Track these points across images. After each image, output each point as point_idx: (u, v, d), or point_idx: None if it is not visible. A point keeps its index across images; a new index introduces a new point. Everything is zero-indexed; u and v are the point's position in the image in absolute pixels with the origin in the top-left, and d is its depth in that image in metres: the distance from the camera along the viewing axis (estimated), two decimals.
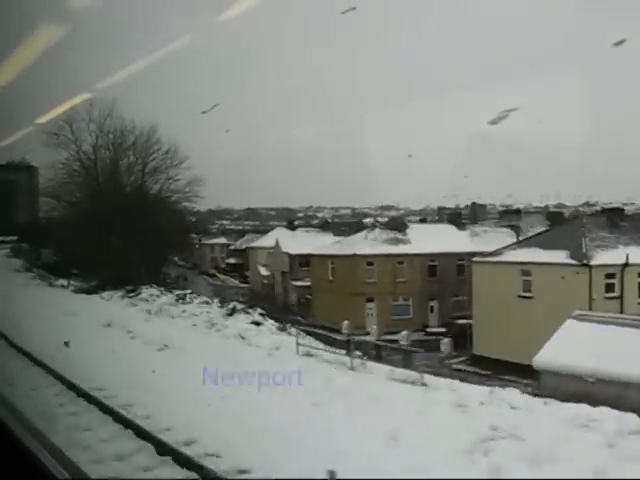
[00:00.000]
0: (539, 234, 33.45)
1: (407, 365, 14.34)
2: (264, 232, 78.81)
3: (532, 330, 29.45)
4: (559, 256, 29.27)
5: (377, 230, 43.70)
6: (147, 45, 31.39)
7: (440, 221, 59.24)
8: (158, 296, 25.82)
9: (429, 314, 42.49)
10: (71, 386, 10.77)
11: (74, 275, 40.09)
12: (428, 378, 12.12)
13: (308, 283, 47.74)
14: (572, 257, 28.85)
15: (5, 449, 2.18)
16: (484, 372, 28.53)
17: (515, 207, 68.62)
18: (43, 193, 43.65)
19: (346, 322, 30.09)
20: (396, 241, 42.75)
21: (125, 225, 41.87)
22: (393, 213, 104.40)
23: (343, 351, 15.49)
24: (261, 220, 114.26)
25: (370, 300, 41.53)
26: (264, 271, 57.56)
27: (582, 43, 55.16)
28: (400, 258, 42.00)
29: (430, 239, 42.76)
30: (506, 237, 45.14)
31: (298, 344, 15.12)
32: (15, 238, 64.40)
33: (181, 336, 17.02)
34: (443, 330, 38.25)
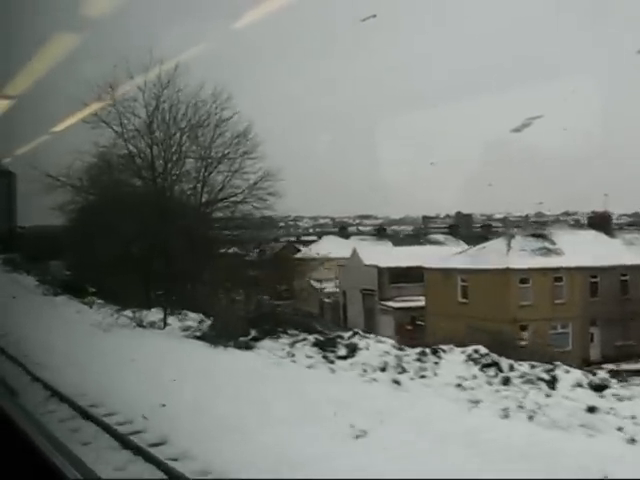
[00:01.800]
0: None
1: None
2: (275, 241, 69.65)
3: None
4: None
5: (519, 237, 34.08)
6: (162, 52, 28.11)
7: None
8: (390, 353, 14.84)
9: (589, 344, 33.25)
10: None
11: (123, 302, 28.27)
12: None
13: (409, 304, 37.83)
14: None
15: (14, 448, 2.16)
16: None
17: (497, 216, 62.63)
18: (75, 187, 31.95)
19: None
20: (547, 251, 33.28)
21: (169, 232, 30.75)
22: (373, 222, 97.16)
23: None
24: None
25: (523, 328, 31.87)
26: (325, 288, 47.03)
27: (602, 49, 49.07)
28: (557, 273, 32.58)
29: (584, 249, 33.57)
30: None
31: None
32: None
33: None
34: None
